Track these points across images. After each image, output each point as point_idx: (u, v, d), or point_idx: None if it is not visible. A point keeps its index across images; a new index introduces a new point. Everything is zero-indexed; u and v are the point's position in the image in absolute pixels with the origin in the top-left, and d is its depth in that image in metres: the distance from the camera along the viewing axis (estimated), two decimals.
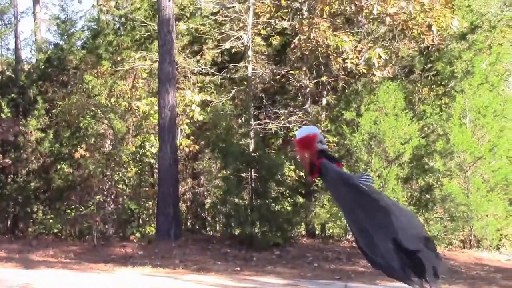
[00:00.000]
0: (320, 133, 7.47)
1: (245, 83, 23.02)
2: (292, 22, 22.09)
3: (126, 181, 22.75)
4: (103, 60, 23.91)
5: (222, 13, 23.56)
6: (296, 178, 21.92)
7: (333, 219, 21.28)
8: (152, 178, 23.44)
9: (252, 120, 21.90)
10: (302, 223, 22.46)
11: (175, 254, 17.84)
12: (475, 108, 19.82)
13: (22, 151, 24.11)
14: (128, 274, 14.92)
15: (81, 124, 23.50)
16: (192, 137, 23.11)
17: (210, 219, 25.38)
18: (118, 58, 24.23)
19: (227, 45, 22.12)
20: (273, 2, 22.02)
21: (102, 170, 22.14)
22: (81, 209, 22.89)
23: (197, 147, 23.10)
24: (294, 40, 20.42)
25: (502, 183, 19.41)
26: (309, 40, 19.81)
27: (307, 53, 21.00)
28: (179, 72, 23.28)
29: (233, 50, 22.81)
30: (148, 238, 20.07)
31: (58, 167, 23.49)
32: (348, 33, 20.25)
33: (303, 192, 21.89)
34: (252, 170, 20.00)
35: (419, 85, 23.26)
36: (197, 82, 24.22)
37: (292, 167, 21.45)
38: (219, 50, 23.10)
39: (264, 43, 23.09)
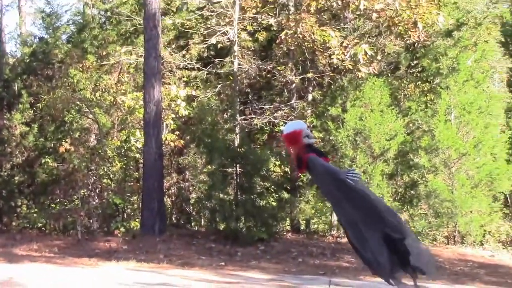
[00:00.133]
0: (307, 127, 7.46)
1: (231, 78, 23.02)
2: (279, 18, 22.07)
3: (111, 175, 22.67)
4: (88, 54, 23.82)
5: (208, 8, 23.50)
6: (281, 173, 21.92)
7: (318, 215, 21.38)
8: (137, 173, 23.39)
9: (238, 115, 21.89)
10: (287, 219, 22.48)
11: (160, 249, 17.80)
12: (460, 104, 19.89)
13: (6, 145, 23.98)
14: (113, 268, 14.88)
15: (66, 118, 23.38)
16: (177, 132, 23.06)
17: (195, 214, 25.37)
18: (104, 52, 24.15)
19: (213, 40, 22.09)
20: None
21: (87, 164, 22.06)
22: (65, 204, 22.84)
23: (182, 142, 23.06)
24: (280, 35, 20.42)
25: (486, 180, 19.49)
26: (296, 35, 19.82)
27: (293, 48, 21.01)
28: (164, 66, 23.23)
29: (219, 45, 22.76)
30: (133, 233, 20.02)
31: (43, 161, 23.39)
32: (334, 28, 20.26)
33: (288, 187, 21.87)
34: (237, 165, 20.00)
35: (404, 81, 23.32)
36: (183, 77, 24.17)
37: (277, 163, 21.46)
38: (205, 45, 23.06)
39: (250, 39, 23.06)
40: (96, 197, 22.77)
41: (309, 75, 21.86)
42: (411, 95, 23.01)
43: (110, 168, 22.47)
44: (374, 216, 6.97)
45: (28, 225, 22.21)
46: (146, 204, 19.97)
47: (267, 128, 23.21)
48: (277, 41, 20.99)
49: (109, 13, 25.70)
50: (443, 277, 14.38)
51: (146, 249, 17.78)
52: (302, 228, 22.74)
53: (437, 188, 18.97)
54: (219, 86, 23.23)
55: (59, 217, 21.78)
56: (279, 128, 22.17)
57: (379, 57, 21.56)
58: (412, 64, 23.02)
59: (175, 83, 23.23)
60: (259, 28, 22.88)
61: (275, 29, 22.57)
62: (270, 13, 22.42)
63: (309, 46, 20.19)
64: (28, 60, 25.76)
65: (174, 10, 25.37)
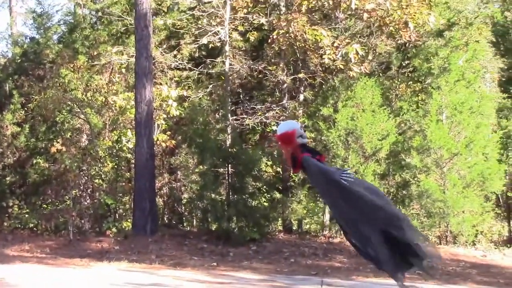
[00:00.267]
0: (300, 127, 7.45)
1: (223, 78, 23.01)
2: (270, 18, 22.07)
3: (103, 176, 22.65)
4: (79, 54, 23.78)
5: (200, 8, 23.46)
6: (273, 173, 21.97)
7: (310, 215, 21.39)
8: (128, 173, 23.37)
9: (229, 115, 21.87)
10: (279, 219, 22.49)
11: (152, 249, 17.80)
12: (451, 104, 19.90)
13: None
14: (104, 269, 14.88)
15: (57, 118, 23.35)
16: (169, 132, 23.07)
17: (187, 214, 25.36)
18: (95, 53, 24.11)
19: (204, 40, 22.06)
20: None
21: (78, 164, 22.02)
22: (57, 204, 22.81)
23: (174, 142, 23.05)
24: (272, 34, 20.41)
25: (478, 179, 19.50)
26: (287, 34, 19.82)
27: (284, 48, 20.97)
28: (156, 67, 23.21)
29: (210, 45, 22.79)
30: (125, 233, 20.01)
31: (34, 161, 23.34)
32: (326, 28, 20.26)
33: (280, 187, 21.90)
34: (229, 165, 20.02)
35: (396, 81, 23.35)
36: (174, 77, 24.17)
37: (269, 163, 21.49)
38: (196, 45, 23.05)
39: (242, 39, 23.06)
40: (88, 198, 22.74)
41: (301, 75, 21.86)
42: (403, 95, 23.04)
43: (101, 168, 22.45)
44: (371, 214, 6.95)
45: (19, 226, 22.15)
46: (138, 204, 19.96)
47: (259, 128, 23.22)
48: (269, 41, 20.98)
49: (100, 13, 25.65)
50: (435, 277, 14.40)
51: (138, 249, 17.78)
52: (294, 228, 22.73)
53: (429, 188, 18.98)
54: (211, 86, 23.23)
55: (51, 217, 21.74)
56: (271, 128, 22.19)
57: (370, 57, 21.59)
58: (404, 64, 23.05)
59: (166, 83, 23.22)
60: (250, 28, 22.89)
61: (266, 29, 22.57)
62: (261, 13, 22.42)
63: (300, 45, 20.21)
64: (19, 60, 25.69)
65: (165, 10, 25.34)
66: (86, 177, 22.77)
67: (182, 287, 12.36)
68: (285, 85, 22.60)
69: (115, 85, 23.32)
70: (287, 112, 22.14)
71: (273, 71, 22.40)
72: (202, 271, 14.90)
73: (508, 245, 20.29)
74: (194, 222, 24.37)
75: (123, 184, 22.87)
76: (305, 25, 19.64)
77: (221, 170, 20.19)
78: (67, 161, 21.48)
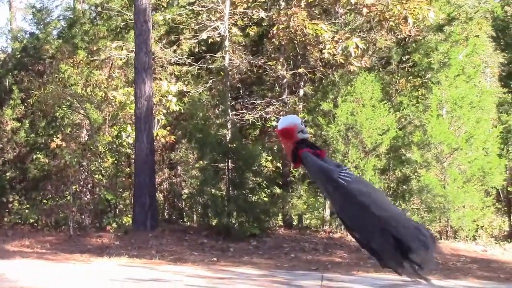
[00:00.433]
0: (301, 122, 7.42)
1: (222, 73, 22.99)
2: (269, 13, 22.03)
3: (103, 171, 22.65)
4: (79, 50, 23.78)
5: (199, 3, 23.42)
6: (273, 168, 21.95)
7: (310, 210, 21.37)
8: (128, 169, 23.38)
9: (229, 110, 21.83)
10: (279, 214, 22.46)
11: (152, 245, 17.79)
12: (451, 99, 19.87)
13: None
14: (105, 264, 14.86)
15: (57, 114, 23.36)
16: (168, 128, 23.07)
17: (187, 209, 25.36)
18: (94, 48, 24.10)
19: (204, 35, 22.02)
20: None
21: (78, 160, 22.02)
22: (57, 199, 22.83)
23: (173, 137, 23.04)
24: (272, 29, 20.39)
25: (479, 174, 19.48)
26: (287, 29, 19.80)
27: (284, 42, 20.95)
28: (155, 62, 23.19)
29: (210, 41, 22.72)
30: (125, 229, 20.00)
31: (34, 157, 23.36)
32: (326, 23, 20.23)
33: (280, 182, 21.89)
34: (229, 160, 19.99)
35: (396, 76, 23.34)
36: (174, 72, 24.13)
37: (269, 158, 21.47)
38: (196, 40, 23.01)
39: (241, 34, 23.03)
40: (88, 193, 22.75)
41: (301, 70, 21.85)
42: (403, 90, 23.03)
43: (101, 163, 22.44)
44: (370, 213, 6.93)
45: (19, 221, 22.17)
46: (138, 199, 19.95)
47: (259, 123, 23.22)
48: (268, 36, 20.97)
49: (99, 8, 25.63)
50: (436, 272, 14.39)
51: (138, 244, 17.76)
52: (294, 223, 22.71)
53: (429, 183, 18.95)
54: (210, 81, 23.20)
55: (51, 212, 21.77)
56: (271, 123, 22.18)
57: (370, 52, 21.56)
58: (404, 59, 23.02)
59: (166, 79, 23.19)
60: (250, 23, 22.86)
61: (266, 23, 22.54)
62: (261, 8, 22.37)
63: (301, 40, 20.19)
64: (19, 56, 25.71)
65: (165, 5, 25.29)
66: (86, 173, 22.78)
67: (182, 283, 12.33)
68: (285, 80, 22.58)
69: (115, 80, 23.32)
70: (287, 107, 22.12)
71: (273, 66, 22.38)
72: (202, 267, 14.88)
73: (509, 240, 20.27)
74: (194, 218, 24.37)
75: (123, 179, 22.88)
76: (305, 19, 19.61)
77: (221, 165, 20.16)
78: (67, 156, 21.48)
